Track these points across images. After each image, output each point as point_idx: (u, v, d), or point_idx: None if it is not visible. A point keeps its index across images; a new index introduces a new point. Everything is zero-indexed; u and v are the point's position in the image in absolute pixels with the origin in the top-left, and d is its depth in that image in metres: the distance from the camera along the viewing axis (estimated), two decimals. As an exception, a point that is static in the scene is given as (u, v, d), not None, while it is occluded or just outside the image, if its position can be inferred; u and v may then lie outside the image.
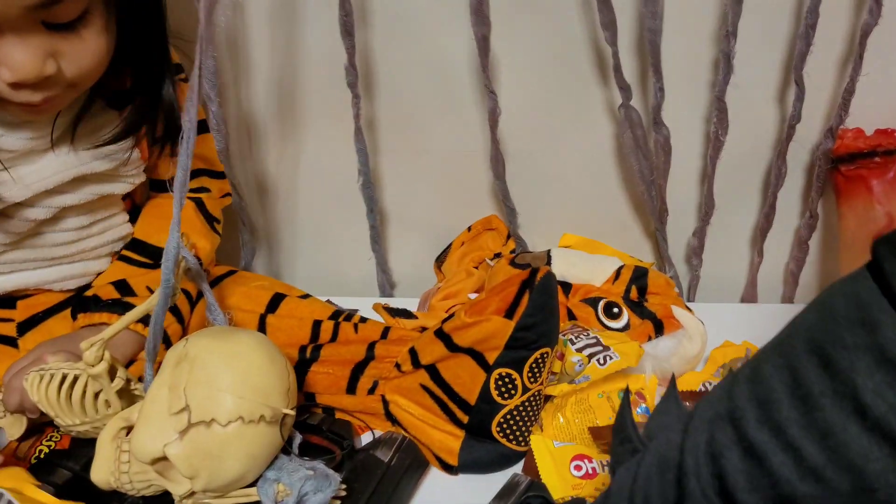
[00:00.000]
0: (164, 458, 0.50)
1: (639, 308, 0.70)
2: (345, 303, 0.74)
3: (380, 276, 0.83)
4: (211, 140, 0.70)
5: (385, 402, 0.62)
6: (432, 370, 0.60)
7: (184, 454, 0.49)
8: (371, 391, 0.62)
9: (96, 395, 0.54)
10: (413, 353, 0.61)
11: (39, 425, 0.60)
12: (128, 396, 0.56)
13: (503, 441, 0.60)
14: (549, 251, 0.74)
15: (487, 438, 0.60)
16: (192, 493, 0.52)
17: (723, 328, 0.71)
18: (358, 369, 0.63)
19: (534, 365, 0.58)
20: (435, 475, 0.61)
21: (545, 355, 0.59)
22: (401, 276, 0.84)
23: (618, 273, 0.72)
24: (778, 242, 0.80)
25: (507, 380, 0.58)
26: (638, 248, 0.81)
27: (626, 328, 0.69)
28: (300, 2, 0.70)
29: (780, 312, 0.81)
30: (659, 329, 0.68)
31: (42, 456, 0.60)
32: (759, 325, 0.70)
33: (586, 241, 0.79)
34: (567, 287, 0.72)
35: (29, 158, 0.57)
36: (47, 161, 0.57)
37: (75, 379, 0.53)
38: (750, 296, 0.83)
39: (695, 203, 0.79)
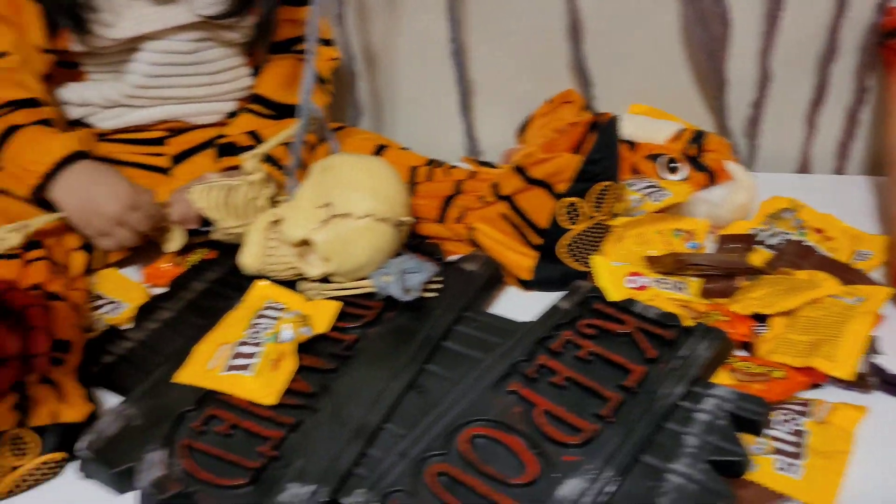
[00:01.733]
0: (307, 243, 0.65)
1: (695, 163, 0.81)
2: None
3: (467, 142, 0.96)
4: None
5: (469, 229, 0.76)
6: (510, 200, 0.74)
7: (325, 239, 0.65)
8: (458, 220, 0.76)
9: (252, 202, 0.69)
10: (494, 186, 0.75)
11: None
12: (274, 203, 0.71)
13: (569, 261, 0.73)
14: (615, 116, 0.85)
15: (556, 259, 0.73)
16: (321, 278, 0.67)
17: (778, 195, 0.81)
18: (447, 202, 0.77)
19: (597, 195, 0.71)
20: (510, 290, 0.74)
21: (607, 188, 0.72)
22: (486, 144, 0.99)
23: (678, 134, 0.83)
24: (830, 116, 0.89)
25: (573, 207, 0.71)
26: (701, 122, 0.92)
27: (684, 181, 0.80)
28: None
29: (832, 183, 0.90)
30: (713, 180, 0.80)
31: (196, 263, 0.77)
32: (811, 193, 0.81)
33: (653, 111, 0.90)
34: (632, 146, 0.83)
35: (155, 3, 0.74)
36: (169, 7, 0.74)
37: (235, 189, 0.70)
38: (803, 167, 0.93)
39: (753, 77, 0.88)
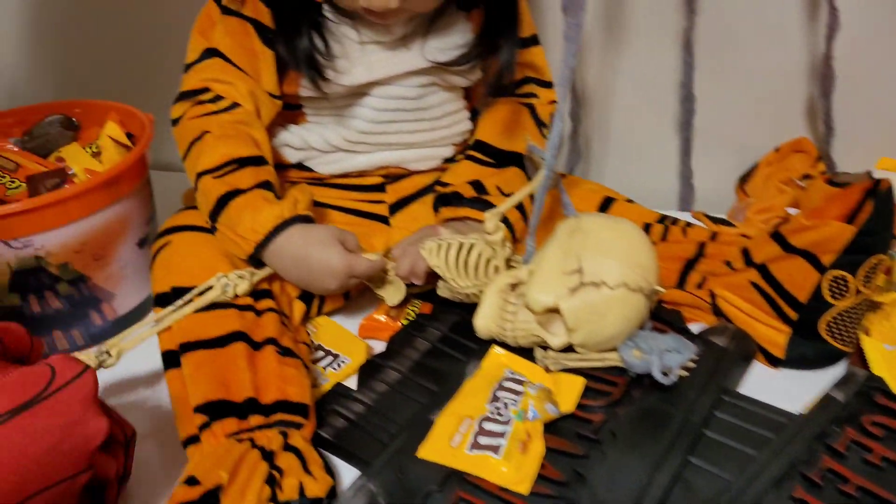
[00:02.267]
0: (553, 311, 0.61)
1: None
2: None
3: (682, 188, 0.91)
4: (540, 51, 0.80)
5: (713, 296, 0.70)
6: (763, 269, 0.68)
7: (573, 308, 0.60)
8: (699, 285, 0.70)
9: (487, 262, 0.66)
10: (745, 252, 0.68)
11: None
12: (508, 265, 0.68)
13: (829, 340, 0.66)
14: (869, 172, 0.77)
15: (814, 336, 0.66)
16: (563, 348, 0.63)
17: None
18: (689, 265, 0.71)
19: (869, 270, 0.64)
20: (757, 366, 0.68)
21: (880, 262, 0.64)
22: (702, 191, 0.92)
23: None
24: None
25: (840, 282, 0.64)
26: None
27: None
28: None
29: None
30: None
31: (409, 318, 0.74)
32: None
33: (907, 167, 0.81)
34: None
35: (387, 47, 0.72)
36: (399, 53, 0.73)
37: (470, 248, 0.66)
38: None
39: None
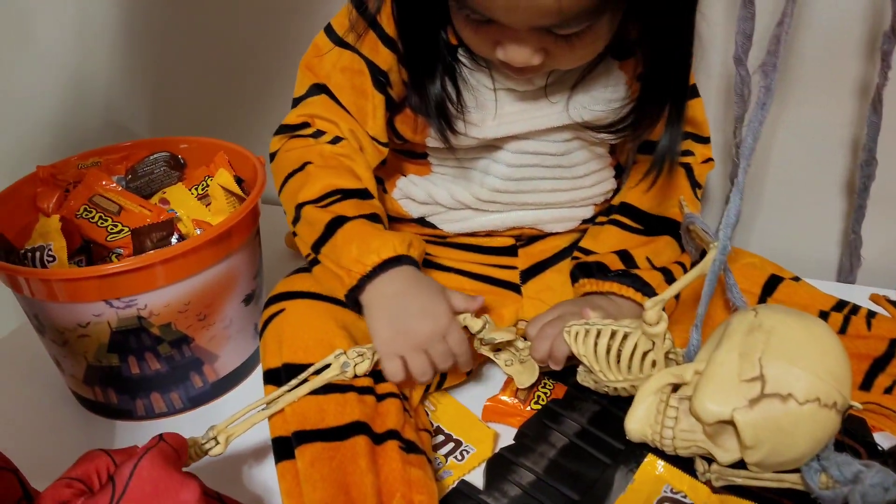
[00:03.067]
0: (725, 422, 0.52)
1: None
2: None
3: (845, 258, 0.81)
4: (699, 102, 0.71)
5: (905, 405, 0.60)
6: None
7: (752, 422, 0.51)
8: (888, 390, 0.61)
9: (644, 356, 0.57)
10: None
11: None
12: (666, 359, 0.59)
13: None
14: None
15: None
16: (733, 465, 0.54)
17: None
18: (876, 365, 0.61)
19: None
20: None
21: None
22: (870, 262, 0.82)
23: None
24: None
25: None
26: None
27: None
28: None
29: None
30: None
31: (540, 401, 0.66)
32: None
33: None
34: None
35: (524, 99, 0.65)
36: (543, 106, 0.65)
37: (624, 337, 0.57)
38: None
39: None
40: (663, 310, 0.59)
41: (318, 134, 0.66)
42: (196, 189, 0.77)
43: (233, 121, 1.00)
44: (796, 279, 0.69)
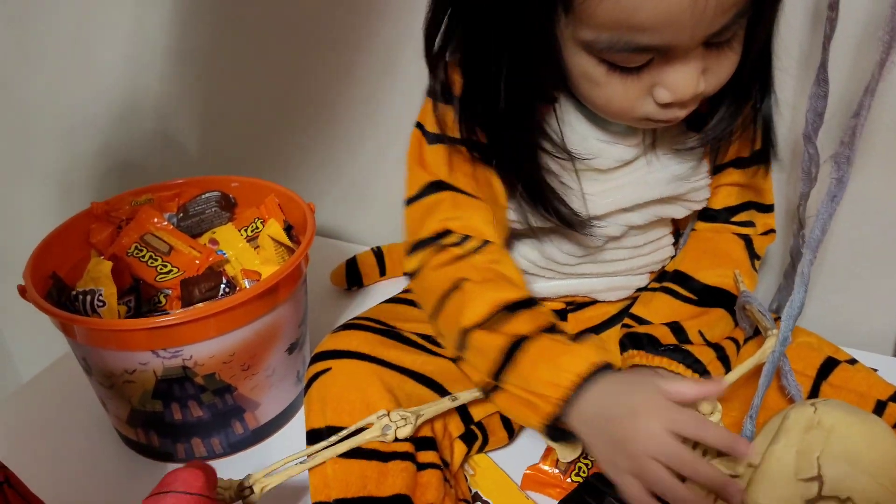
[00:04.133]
0: None
1: None
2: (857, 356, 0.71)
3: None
4: (762, 170, 0.70)
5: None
6: None
7: None
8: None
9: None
10: None
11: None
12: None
13: None
14: None
15: None
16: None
17: None
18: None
19: None
20: None
21: None
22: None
23: None
24: None
25: None
26: None
27: None
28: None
29: None
30: None
31: (581, 473, 0.66)
32: None
33: None
34: None
35: (612, 176, 0.63)
36: (628, 180, 0.63)
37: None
38: None
39: None
40: (698, 367, 0.59)
41: (465, 240, 0.62)
42: (245, 231, 0.78)
43: (284, 161, 1.01)
44: (853, 362, 0.68)
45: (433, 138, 0.63)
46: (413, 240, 0.64)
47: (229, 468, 0.62)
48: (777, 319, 0.68)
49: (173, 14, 0.97)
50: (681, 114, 0.56)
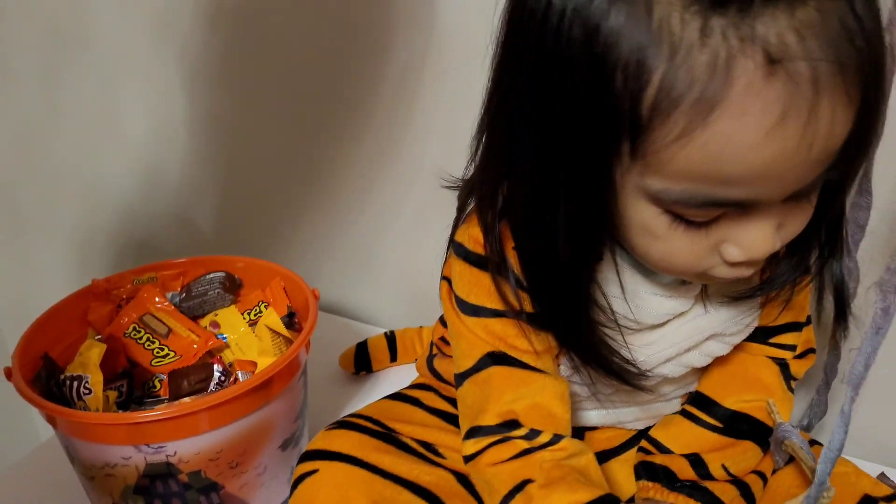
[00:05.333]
0: None
1: None
2: (868, 468, 0.65)
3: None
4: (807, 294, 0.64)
5: None
6: None
7: None
8: None
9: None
10: None
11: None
12: None
13: None
14: None
15: None
16: None
17: None
18: None
19: None
20: None
21: None
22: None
23: None
24: None
25: None
26: None
27: None
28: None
29: None
30: None
31: None
32: None
33: None
34: None
35: (661, 325, 0.58)
36: (677, 328, 0.58)
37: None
38: None
39: None
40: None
41: (533, 435, 0.55)
42: (248, 314, 0.75)
43: (289, 244, 1.00)
44: (891, 498, 0.62)
45: (473, 310, 0.57)
46: (472, 423, 0.57)
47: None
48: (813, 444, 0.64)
49: (191, 99, 0.98)
50: (748, 273, 0.49)
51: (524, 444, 0.55)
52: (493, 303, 0.55)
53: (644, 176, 0.44)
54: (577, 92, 0.42)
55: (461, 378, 0.58)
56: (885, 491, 0.62)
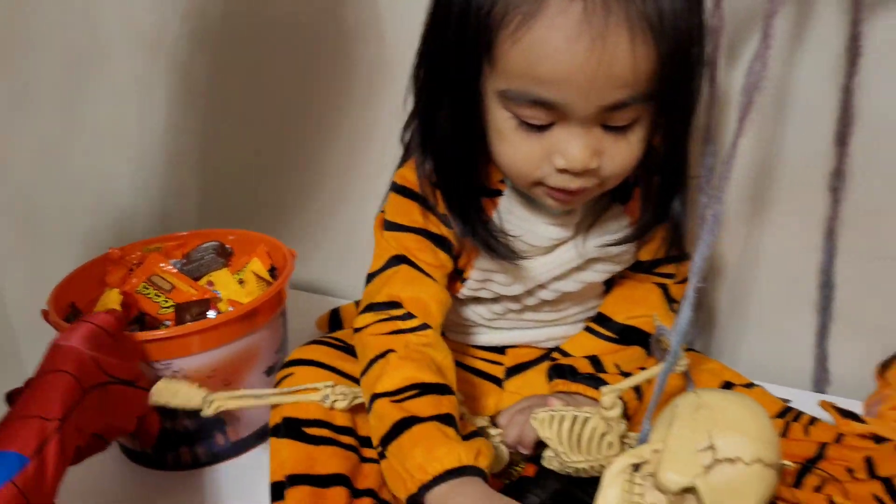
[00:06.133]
0: (687, 490, 0.61)
1: None
2: (777, 391, 0.82)
3: (817, 371, 0.89)
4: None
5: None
6: (888, 483, 0.65)
7: (710, 486, 0.60)
8: (818, 489, 0.69)
9: (602, 437, 0.68)
10: (869, 462, 0.67)
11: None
12: (622, 442, 0.70)
13: None
14: None
15: None
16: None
17: None
18: (807, 466, 0.70)
19: None
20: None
21: None
22: (838, 375, 0.90)
23: None
24: None
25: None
26: None
27: None
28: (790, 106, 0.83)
29: None
30: None
31: (512, 480, 0.76)
32: None
33: None
34: None
35: (551, 251, 0.75)
36: (563, 252, 0.75)
37: (585, 421, 0.69)
38: None
39: None
40: (620, 398, 0.71)
41: (408, 317, 0.70)
42: (238, 274, 0.92)
43: (272, 214, 1.19)
44: (750, 385, 0.79)
45: (389, 226, 0.75)
46: (368, 301, 0.72)
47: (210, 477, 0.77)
48: (688, 350, 0.80)
49: (187, 112, 1.17)
50: (572, 185, 0.64)
51: (400, 325, 0.69)
52: (410, 222, 0.73)
53: (496, 80, 0.62)
54: (454, 22, 0.62)
55: (371, 277, 0.74)
56: (744, 381, 0.79)
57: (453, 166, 0.70)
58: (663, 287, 0.82)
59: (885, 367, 0.85)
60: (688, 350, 0.81)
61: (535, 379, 0.81)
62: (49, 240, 1.39)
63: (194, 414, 0.74)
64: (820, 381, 0.91)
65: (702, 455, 0.62)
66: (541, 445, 0.72)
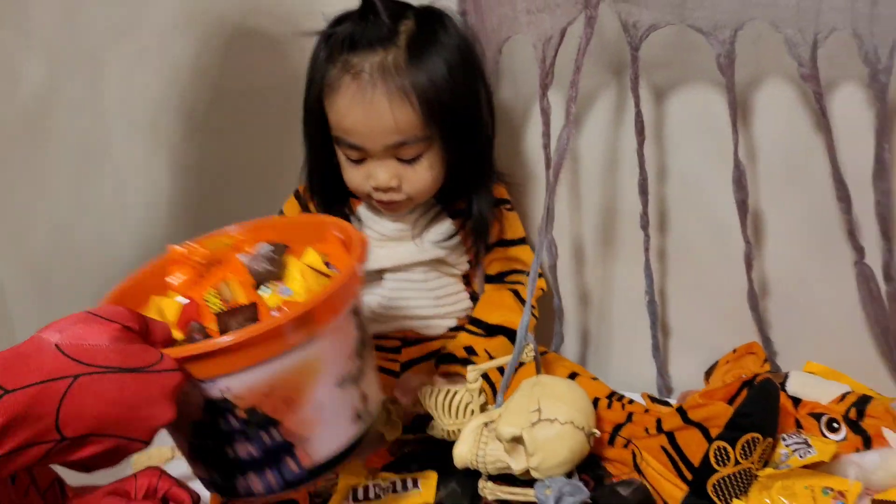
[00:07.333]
0: (517, 441, 0.88)
1: (854, 426, 0.93)
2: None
3: (658, 379, 1.18)
4: (527, 248, 1.11)
5: (634, 455, 0.94)
6: (671, 436, 0.89)
7: (533, 437, 0.87)
8: (625, 446, 0.95)
9: (466, 406, 0.96)
10: (658, 422, 0.94)
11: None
12: (482, 409, 0.94)
13: (715, 499, 0.87)
14: (787, 373, 1.01)
15: (704, 495, 0.85)
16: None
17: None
18: (618, 428, 0.96)
19: (745, 445, 0.87)
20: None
21: (755, 440, 0.86)
22: (677, 381, 1.19)
23: (843, 396, 0.97)
24: None
25: (723, 451, 0.87)
26: (882, 386, 1.03)
27: (842, 441, 0.93)
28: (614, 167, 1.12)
29: None
30: (867, 444, 0.91)
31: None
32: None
33: (827, 371, 1.04)
34: (797, 402, 0.98)
35: (397, 242, 1.04)
36: (406, 246, 1.04)
37: (454, 393, 0.94)
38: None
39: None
40: (489, 382, 0.99)
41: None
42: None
43: None
44: (594, 379, 1.08)
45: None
46: None
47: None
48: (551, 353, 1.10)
49: (176, 185, 1.37)
50: (384, 198, 0.97)
51: None
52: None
53: (332, 129, 0.95)
54: (311, 92, 0.97)
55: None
56: (589, 375, 1.09)
57: (319, 182, 1.04)
58: (515, 292, 1.09)
59: (708, 373, 1.13)
60: (546, 352, 1.11)
61: (424, 370, 1.05)
62: (60, 305, 1.42)
63: (251, 433, 0.69)
64: (662, 388, 1.19)
65: (530, 415, 0.89)
66: (427, 418, 0.95)
